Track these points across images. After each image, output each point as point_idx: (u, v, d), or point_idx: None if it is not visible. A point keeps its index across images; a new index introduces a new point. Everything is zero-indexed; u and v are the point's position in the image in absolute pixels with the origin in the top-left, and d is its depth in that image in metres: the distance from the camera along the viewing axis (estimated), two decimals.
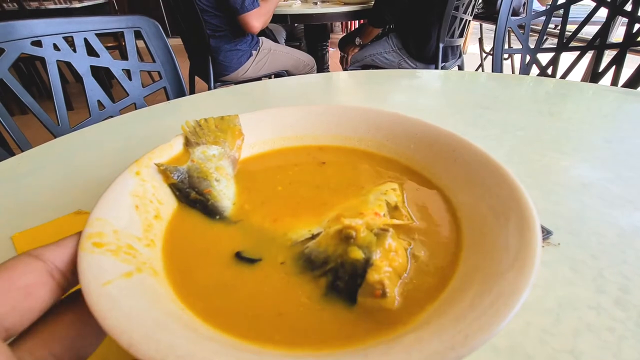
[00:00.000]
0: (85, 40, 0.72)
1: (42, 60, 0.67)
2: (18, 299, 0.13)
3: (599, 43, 0.98)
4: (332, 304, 0.19)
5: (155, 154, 0.25)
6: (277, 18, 1.83)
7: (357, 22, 3.42)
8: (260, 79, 1.72)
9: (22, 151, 0.49)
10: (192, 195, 0.25)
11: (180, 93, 0.84)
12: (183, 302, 0.18)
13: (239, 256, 0.21)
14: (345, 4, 1.91)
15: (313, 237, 0.22)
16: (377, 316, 0.18)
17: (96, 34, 0.74)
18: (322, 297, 0.19)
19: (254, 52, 1.64)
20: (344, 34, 2.32)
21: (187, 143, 0.27)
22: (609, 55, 0.97)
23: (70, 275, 0.15)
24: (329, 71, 2.41)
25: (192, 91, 1.80)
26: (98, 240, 0.17)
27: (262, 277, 0.20)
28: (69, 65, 0.71)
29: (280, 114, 0.32)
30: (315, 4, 2.02)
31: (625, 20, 0.92)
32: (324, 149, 0.33)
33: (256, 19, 1.46)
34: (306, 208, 0.25)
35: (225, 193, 0.26)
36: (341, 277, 0.19)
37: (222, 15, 1.47)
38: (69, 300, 0.16)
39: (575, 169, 0.40)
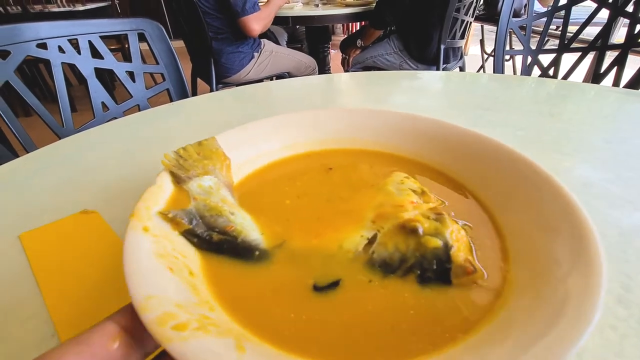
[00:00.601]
0: (90, 42, 0.73)
1: (46, 62, 0.68)
2: None
3: (601, 44, 0.98)
4: (432, 295, 0.19)
5: (149, 201, 0.21)
6: (279, 20, 1.84)
7: (358, 24, 3.43)
8: (262, 81, 1.73)
9: (28, 152, 0.49)
10: (214, 237, 0.21)
11: (183, 95, 0.85)
12: (293, 354, 0.16)
13: (317, 289, 0.19)
14: (347, 5, 1.92)
15: (370, 241, 0.22)
16: (475, 293, 0.19)
17: (100, 37, 0.74)
18: (421, 292, 0.19)
19: (256, 54, 1.64)
20: (346, 36, 2.33)
21: (177, 179, 0.23)
22: (610, 56, 0.97)
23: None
24: (330, 73, 2.42)
25: (194, 93, 1.81)
26: (175, 323, 0.14)
27: (350, 297, 0.19)
28: (72, 67, 0.72)
29: (259, 127, 0.31)
30: (317, 5, 2.03)
31: (627, 21, 0.92)
32: (315, 155, 0.32)
33: (256, 22, 1.47)
34: (336, 215, 0.24)
35: (247, 224, 0.23)
36: (427, 268, 0.20)
37: (224, 17, 1.48)
38: None
39: (576, 169, 0.40)
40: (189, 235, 0.21)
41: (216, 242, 0.21)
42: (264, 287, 0.19)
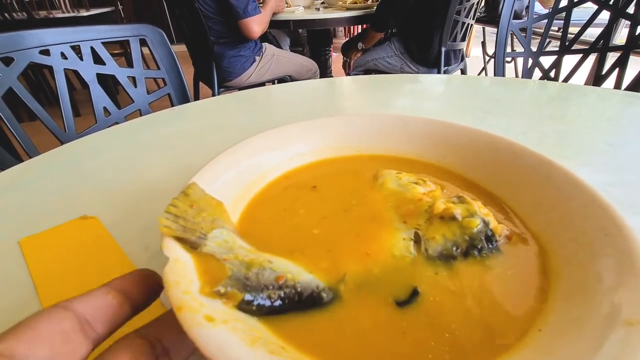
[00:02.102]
0: (92, 48, 0.74)
1: (50, 68, 0.69)
2: (58, 343, 0.13)
3: (602, 45, 0.98)
4: (497, 266, 0.21)
5: (181, 284, 0.16)
6: (280, 24, 1.85)
7: (359, 26, 3.44)
8: (264, 84, 1.74)
9: (30, 157, 0.50)
10: (272, 296, 0.18)
11: (184, 99, 0.85)
12: None
13: (401, 304, 0.19)
14: (348, 9, 1.93)
15: (415, 240, 0.22)
16: (524, 256, 0.22)
17: (102, 43, 0.75)
18: (487, 268, 0.21)
19: (257, 58, 1.65)
20: (347, 39, 2.33)
21: (190, 245, 0.19)
22: (612, 57, 0.96)
23: (100, 327, 0.15)
24: (331, 76, 2.42)
25: (197, 96, 1.82)
26: None
27: (434, 297, 0.19)
28: (76, 72, 0.73)
29: (231, 155, 0.27)
30: (318, 9, 2.04)
31: (628, 22, 0.92)
32: (298, 172, 0.31)
33: (257, 25, 1.49)
34: (366, 226, 0.24)
35: (293, 269, 0.20)
36: (479, 246, 0.22)
37: (225, 21, 1.49)
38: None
39: (577, 172, 0.39)
40: (246, 304, 0.17)
41: (276, 299, 0.18)
42: (350, 327, 0.17)
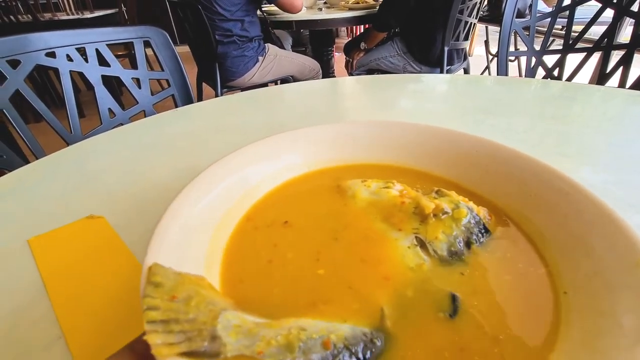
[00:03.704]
0: (97, 50, 0.75)
1: (56, 70, 0.70)
2: None
3: (606, 44, 0.97)
4: (495, 249, 0.22)
5: None
6: (283, 24, 1.85)
7: (362, 27, 3.44)
8: (267, 85, 1.74)
9: (37, 158, 0.50)
10: None
11: (187, 100, 0.86)
12: None
13: (452, 315, 0.18)
14: (350, 9, 1.93)
15: (421, 244, 0.22)
16: (510, 235, 0.23)
17: (107, 44, 0.76)
18: (491, 253, 0.22)
19: (260, 58, 1.66)
20: (349, 39, 2.33)
21: (208, 357, 0.15)
22: (617, 55, 0.96)
23: None
24: (334, 76, 2.43)
25: (200, 96, 1.83)
26: None
27: (472, 296, 0.19)
28: (81, 74, 0.74)
29: (170, 221, 0.21)
30: (320, 9, 2.04)
31: (633, 20, 0.91)
32: (258, 209, 0.27)
33: None
34: (366, 246, 0.22)
35: (331, 327, 0.17)
36: (474, 232, 0.23)
37: (235, 18, 1.50)
38: None
39: (578, 171, 0.40)
40: None
41: None
42: (423, 353, 0.16)
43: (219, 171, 0.26)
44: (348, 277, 0.20)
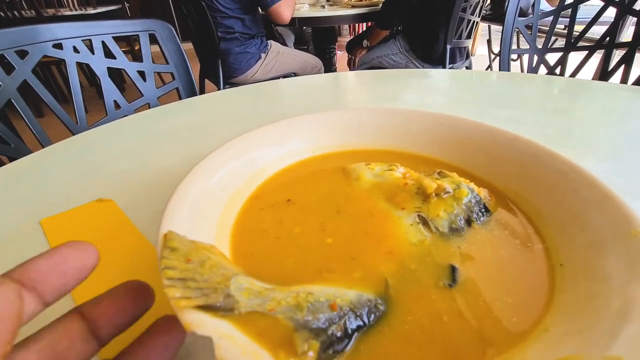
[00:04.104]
0: (103, 43, 0.75)
1: (59, 64, 0.71)
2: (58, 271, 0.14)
3: (608, 42, 0.98)
4: (495, 225, 0.23)
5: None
6: None
7: (365, 24, 3.44)
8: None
9: (43, 147, 0.51)
10: (337, 329, 0.16)
11: (192, 93, 0.87)
12: None
13: (451, 285, 0.19)
14: (353, 6, 1.93)
15: (424, 222, 0.23)
16: (509, 214, 0.24)
17: (113, 37, 0.77)
18: (491, 229, 0.23)
19: (263, 55, 1.67)
20: (352, 37, 2.34)
21: (223, 311, 0.15)
22: (618, 55, 0.96)
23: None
24: None
25: (203, 93, 1.83)
26: None
27: (471, 266, 0.20)
28: (86, 67, 0.74)
29: (184, 194, 0.22)
30: (323, 7, 2.05)
31: (635, 19, 0.92)
32: (263, 189, 0.28)
33: (287, 8, 1.51)
34: (369, 222, 0.23)
35: (338, 292, 0.18)
36: (474, 211, 0.24)
37: (236, 16, 1.51)
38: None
39: (579, 161, 0.40)
40: (323, 351, 0.15)
41: (345, 331, 0.16)
42: (417, 326, 0.17)
43: (227, 153, 0.27)
44: (351, 248, 0.21)
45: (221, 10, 1.48)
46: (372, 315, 0.17)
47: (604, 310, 0.14)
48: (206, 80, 1.84)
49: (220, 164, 0.26)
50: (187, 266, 0.16)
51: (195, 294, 0.15)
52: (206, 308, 0.15)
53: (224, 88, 1.66)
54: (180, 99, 0.83)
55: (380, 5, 1.74)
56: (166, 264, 0.16)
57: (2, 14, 2.47)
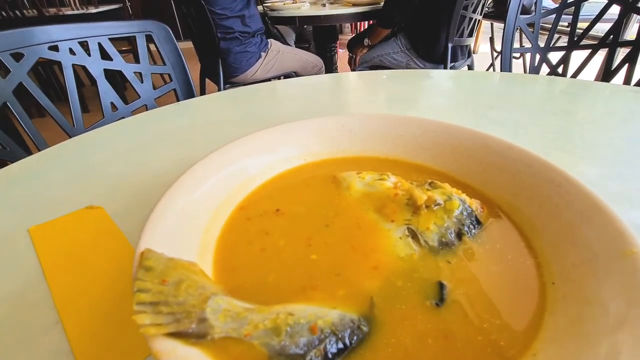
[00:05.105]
0: (99, 44, 0.75)
1: (59, 64, 0.70)
2: None
3: (612, 41, 0.96)
4: (487, 240, 0.22)
5: None
6: (286, 20, 1.85)
7: (366, 23, 3.42)
8: (270, 81, 1.75)
9: (40, 151, 0.51)
10: (317, 353, 0.15)
11: (189, 94, 0.86)
12: None
13: (438, 304, 0.18)
14: (354, 5, 1.92)
15: (413, 235, 0.22)
16: (502, 227, 0.24)
17: (109, 39, 0.76)
18: (482, 243, 0.22)
19: (263, 54, 1.66)
20: (353, 35, 2.32)
21: (195, 337, 0.15)
22: (622, 53, 0.95)
23: None
24: (337, 72, 2.42)
25: (203, 93, 1.84)
26: None
27: (459, 283, 0.19)
28: (84, 68, 0.74)
29: (167, 206, 0.22)
30: (324, 5, 2.03)
31: (639, 17, 0.90)
32: (251, 199, 0.27)
33: None
34: (356, 235, 0.22)
35: (320, 312, 0.17)
36: (465, 224, 0.23)
37: (235, 15, 1.50)
38: None
39: (577, 166, 0.39)
40: None
41: (324, 355, 0.15)
42: (401, 348, 0.16)
43: (215, 161, 0.27)
44: (338, 263, 0.21)
45: (219, 13, 1.48)
46: (355, 337, 0.16)
47: (596, 338, 0.14)
48: (207, 80, 1.83)
49: (207, 173, 0.26)
50: (162, 288, 0.16)
51: (166, 319, 0.14)
52: (177, 335, 0.14)
53: (224, 88, 1.65)
54: (177, 100, 0.83)
55: (382, 3, 1.73)
56: (139, 287, 0.15)
57: (4, 14, 2.48)
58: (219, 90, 1.63)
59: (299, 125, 0.32)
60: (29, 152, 0.67)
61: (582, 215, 0.19)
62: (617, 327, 0.14)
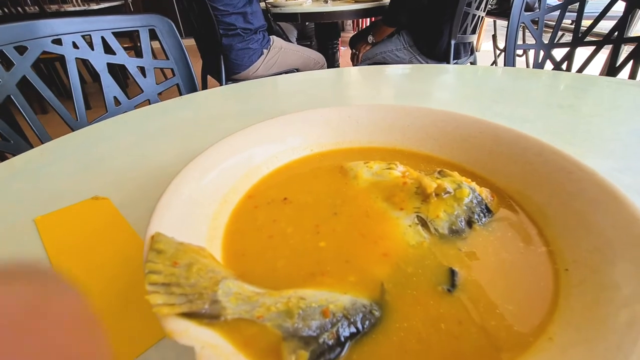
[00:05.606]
0: (103, 38, 0.75)
1: (62, 60, 0.70)
2: None
3: (616, 37, 0.95)
4: (498, 227, 0.22)
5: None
6: (288, 17, 1.84)
7: (368, 19, 3.41)
8: None
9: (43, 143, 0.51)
10: (329, 337, 0.15)
11: (192, 89, 0.86)
12: None
13: (450, 290, 0.18)
14: (356, 2, 1.91)
15: (421, 223, 0.22)
16: (512, 215, 0.23)
17: (113, 33, 0.76)
18: (493, 230, 0.22)
19: (265, 51, 1.65)
20: (355, 32, 2.32)
21: (208, 318, 0.15)
22: (627, 49, 0.94)
23: None
24: None
25: (205, 89, 1.83)
26: None
27: (471, 270, 0.19)
28: (87, 64, 0.74)
29: (176, 195, 0.21)
30: (326, 2, 2.03)
31: None
32: (259, 187, 0.27)
33: None
34: (366, 223, 0.22)
35: (331, 297, 0.17)
36: (476, 212, 0.23)
37: (237, 12, 1.50)
38: None
39: (585, 159, 0.38)
40: (316, 359, 0.14)
41: (337, 340, 0.15)
42: (414, 333, 0.16)
43: (223, 149, 0.26)
44: (346, 250, 0.20)
45: (221, 9, 1.48)
46: (367, 322, 0.16)
47: (612, 322, 0.14)
48: (209, 77, 1.83)
49: (215, 161, 0.26)
50: (173, 270, 0.15)
51: (179, 300, 0.14)
52: (190, 315, 0.14)
53: (226, 84, 1.65)
54: (180, 95, 0.82)
55: (389, 1, 1.72)
56: (151, 268, 0.15)
57: (6, 10, 2.47)
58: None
59: (306, 115, 0.32)
60: (31, 146, 0.67)
61: (596, 202, 0.19)
62: (633, 303, 0.14)
